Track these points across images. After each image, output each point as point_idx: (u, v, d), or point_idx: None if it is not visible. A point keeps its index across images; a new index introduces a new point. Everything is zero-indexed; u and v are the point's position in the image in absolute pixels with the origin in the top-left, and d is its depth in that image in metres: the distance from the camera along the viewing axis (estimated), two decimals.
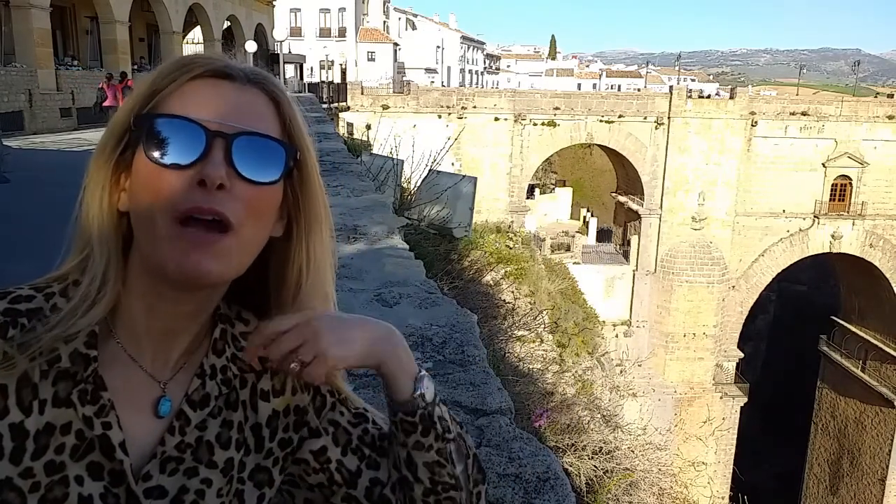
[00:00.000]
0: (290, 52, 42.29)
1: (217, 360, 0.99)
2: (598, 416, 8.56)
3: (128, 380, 0.92)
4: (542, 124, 36.88)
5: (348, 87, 37.03)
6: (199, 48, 34.14)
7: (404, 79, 54.40)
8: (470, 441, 1.09)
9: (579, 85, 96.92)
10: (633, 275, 38.43)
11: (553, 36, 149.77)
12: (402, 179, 9.66)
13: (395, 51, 65.81)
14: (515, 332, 8.47)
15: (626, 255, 39.71)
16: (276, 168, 0.91)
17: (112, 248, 0.91)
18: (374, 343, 1.00)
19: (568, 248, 39.60)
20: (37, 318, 0.87)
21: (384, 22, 71.88)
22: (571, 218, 49.43)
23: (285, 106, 0.96)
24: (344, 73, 59.09)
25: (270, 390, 1.03)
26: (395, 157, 10.14)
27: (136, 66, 25.30)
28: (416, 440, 1.01)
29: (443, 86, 67.41)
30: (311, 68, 55.10)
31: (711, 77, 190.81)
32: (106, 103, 19.01)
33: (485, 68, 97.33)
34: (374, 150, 12.66)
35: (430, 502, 1.03)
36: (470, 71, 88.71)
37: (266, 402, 1.03)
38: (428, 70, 74.52)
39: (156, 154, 0.86)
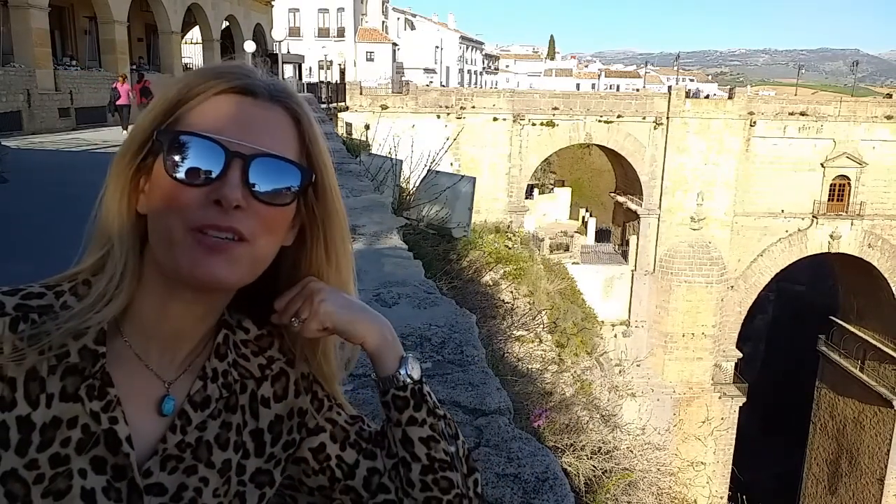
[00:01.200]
0: (288, 52, 42.26)
1: (219, 364, 1.02)
2: (597, 415, 8.57)
3: (134, 377, 0.95)
4: (541, 124, 36.87)
5: (347, 87, 37.00)
6: (198, 48, 34.25)
7: (403, 79, 54.38)
8: (461, 434, 1.12)
9: (578, 85, 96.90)
10: (632, 275, 38.43)
11: (552, 36, 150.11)
12: (401, 179, 9.65)
13: (394, 51, 65.80)
14: (514, 332, 8.48)
15: (624, 255, 39.72)
16: (291, 190, 0.95)
17: (130, 248, 0.94)
18: (361, 317, 1.06)
19: (567, 248, 39.59)
20: (47, 314, 0.89)
21: (383, 22, 71.85)
22: (570, 218, 49.41)
23: (306, 125, 0.99)
24: (343, 73, 59.09)
25: (272, 396, 1.06)
26: (393, 157, 10.12)
27: (134, 66, 25.27)
28: (410, 415, 1.06)
29: (441, 86, 67.41)
30: (310, 68, 55.10)
31: (710, 77, 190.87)
32: (119, 102, 19.17)
33: (483, 68, 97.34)
34: (373, 150, 12.65)
35: (427, 482, 1.06)
36: (469, 71, 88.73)
37: (267, 408, 1.05)
38: (427, 70, 74.53)
39: (174, 170, 0.89)
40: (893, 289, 37.69)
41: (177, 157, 0.89)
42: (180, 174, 0.88)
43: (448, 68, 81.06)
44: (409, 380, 1.07)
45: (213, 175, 0.88)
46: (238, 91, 0.94)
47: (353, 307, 1.06)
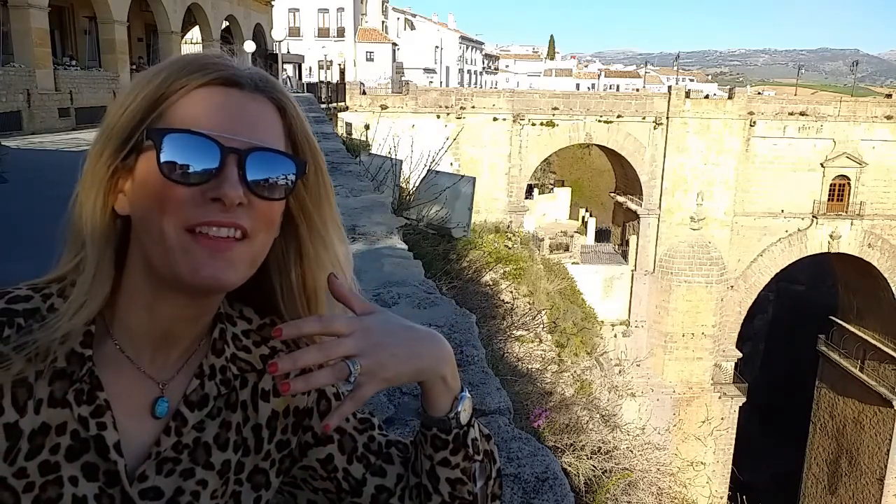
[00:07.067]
0: (288, 51, 42.26)
1: (216, 361, 0.99)
2: (597, 415, 8.55)
3: (126, 380, 0.92)
4: (541, 124, 36.87)
5: (347, 87, 37.00)
6: (198, 48, 34.19)
7: (403, 79, 54.36)
8: (497, 456, 1.09)
9: (578, 85, 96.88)
10: (632, 275, 38.43)
11: (552, 36, 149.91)
12: (401, 179, 9.65)
13: (394, 51, 65.73)
14: (514, 331, 8.48)
15: (624, 255, 39.72)
16: (286, 183, 0.92)
17: (103, 252, 0.90)
18: (428, 359, 0.98)
19: (567, 248, 39.60)
20: (33, 318, 0.87)
21: (383, 22, 71.82)
22: (570, 218, 49.44)
23: (291, 114, 0.96)
24: (343, 73, 59.05)
25: (271, 390, 1.02)
26: (393, 157, 10.12)
27: (134, 67, 25.25)
28: (444, 457, 1.01)
29: (441, 86, 67.41)
30: (310, 68, 55.03)
31: (710, 77, 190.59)
32: None
33: (483, 68, 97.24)
34: (373, 150, 12.64)
35: None
36: (468, 71, 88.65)
37: (266, 402, 1.02)
38: (426, 70, 74.48)
39: (168, 169, 0.85)
40: (893, 289, 37.69)
41: (169, 156, 0.85)
42: (175, 174, 0.84)
43: (448, 68, 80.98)
44: (456, 425, 1.01)
45: (210, 173, 0.85)
46: (222, 83, 0.91)
47: (416, 355, 0.96)
